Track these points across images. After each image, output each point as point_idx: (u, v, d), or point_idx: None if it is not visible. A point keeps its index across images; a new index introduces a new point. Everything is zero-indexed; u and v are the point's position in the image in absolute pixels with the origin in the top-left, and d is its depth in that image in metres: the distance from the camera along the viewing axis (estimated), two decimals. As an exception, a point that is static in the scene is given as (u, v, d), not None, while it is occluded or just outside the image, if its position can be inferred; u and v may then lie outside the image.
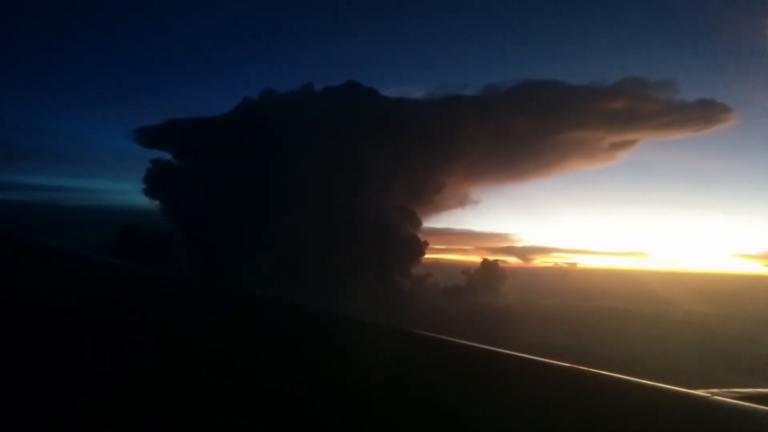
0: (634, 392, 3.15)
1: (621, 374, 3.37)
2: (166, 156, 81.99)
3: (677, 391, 3.04)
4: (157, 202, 79.26)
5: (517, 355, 3.84)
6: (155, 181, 79.00)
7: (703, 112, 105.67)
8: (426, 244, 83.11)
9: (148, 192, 79.59)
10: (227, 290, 10.09)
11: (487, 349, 4.07)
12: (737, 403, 2.91)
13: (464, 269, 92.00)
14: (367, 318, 5.78)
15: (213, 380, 3.33)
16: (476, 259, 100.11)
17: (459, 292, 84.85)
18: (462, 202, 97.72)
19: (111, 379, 3.22)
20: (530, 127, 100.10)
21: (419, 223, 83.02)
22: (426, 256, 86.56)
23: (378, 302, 65.39)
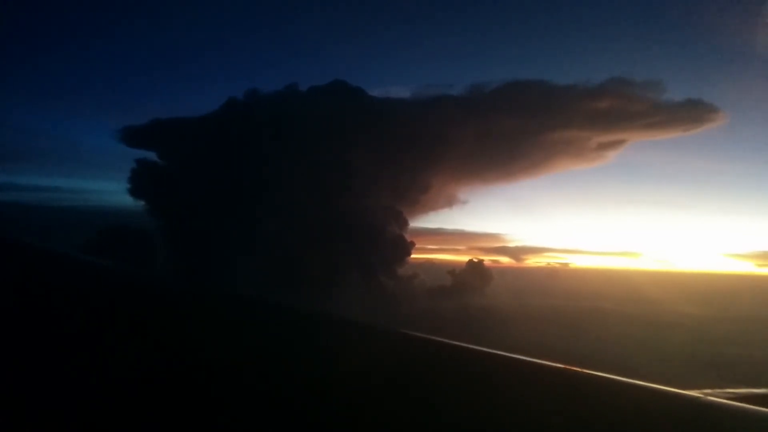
0: (628, 393, 3.14)
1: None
2: (152, 156, 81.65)
3: (671, 392, 3.03)
4: (142, 202, 78.95)
5: (510, 356, 3.82)
6: (140, 181, 78.51)
7: (690, 112, 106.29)
8: (412, 244, 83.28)
9: (133, 192, 79.18)
10: (214, 290, 10.01)
11: (480, 350, 4.05)
12: (731, 404, 2.91)
13: (450, 269, 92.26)
14: (353, 319, 5.74)
15: (203, 381, 3.28)
16: (476, 259, 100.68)
17: (444, 292, 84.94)
18: (450, 202, 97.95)
19: (100, 380, 3.16)
20: (516, 127, 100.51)
21: (406, 223, 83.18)
22: (418, 256, 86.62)
23: (363, 302, 65.41)
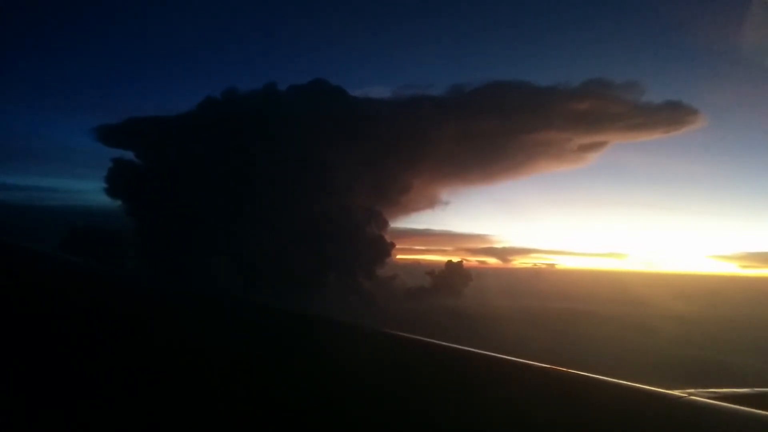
0: (611, 392, 3.14)
1: None
2: (129, 155, 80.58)
3: (654, 391, 3.04)
4: (119, 202, 77.98)
5: (494, 355, 3.80)
6: (117, 180, 77.52)
7: (670, 114, 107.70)
8: (392, 245, 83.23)
9: (110, 191, 78.17)
10: (193, 289, 9.89)
11: (463, 349, 4.03)
12: (713, 403, 2.92)
13: (429, 270, 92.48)
14: (333, 318, 5.70)
15: (188, 379, 3.22)
16: (455, 260, 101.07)
17: (423, 293, 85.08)
18: (432, 202, 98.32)
19: (86, 379, 3.09)
20: (497, 128, 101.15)
21: (386, 223, 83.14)
22: (406, 256, 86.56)
23: (340, 303, 65.28)
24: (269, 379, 3.42)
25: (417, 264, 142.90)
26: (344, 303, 66.51)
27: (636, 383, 3.20)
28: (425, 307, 75.03)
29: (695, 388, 3.45)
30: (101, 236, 71.17)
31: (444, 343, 4.17)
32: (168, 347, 4.03)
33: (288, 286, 62.90)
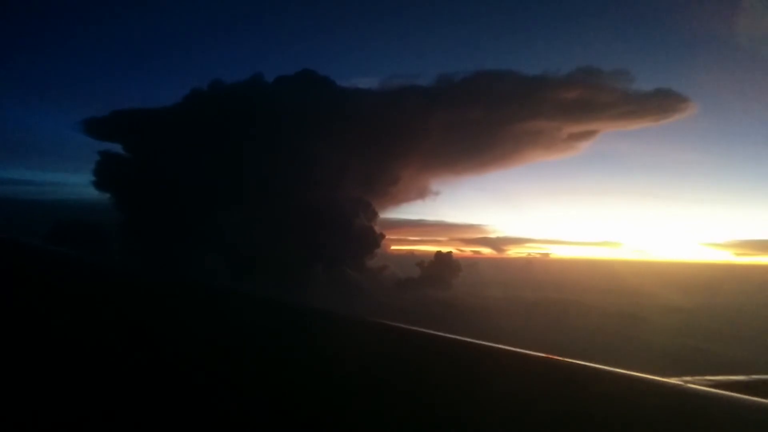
0: (609, 381, 3.14)
1: None
2: (117, 147, 79.89)
3: (651, 379, 3.05)
4: (107, 195, 77.39)
5: (491, 345, 3.79)
6: (104, 173, 76.87)
7: (659, 102, 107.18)
8: (382, 235, 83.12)
9: (98, 185, 77.54)
10: (184, 281, 9.81)
11: (459, 339, 4.02)
12: (710, 391, 2.94)
13: (419, 261, 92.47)
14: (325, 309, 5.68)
15: (183, 371, 3.19)
16: (445, 250, 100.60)
17: (412, 284, 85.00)
18: (422, 193, 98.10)
19: (78, 374, 3.04)
20: (485, 118, 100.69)
21: (375, 214, 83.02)
22: (401, 247, 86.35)
23: (328, 294, 65.18)
24: (258, 371, 3.39)
25: (411, 255, 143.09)
26: (332, 294, 66.37)
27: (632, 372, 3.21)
28: (415, 298, 74.97)
29: (691, 376, 3.46)
30: (87, 229, 70.64)
31: (433, 332, 4.16)
32: (158, 339, 3.99)
33: (276, 277, 62.80)
